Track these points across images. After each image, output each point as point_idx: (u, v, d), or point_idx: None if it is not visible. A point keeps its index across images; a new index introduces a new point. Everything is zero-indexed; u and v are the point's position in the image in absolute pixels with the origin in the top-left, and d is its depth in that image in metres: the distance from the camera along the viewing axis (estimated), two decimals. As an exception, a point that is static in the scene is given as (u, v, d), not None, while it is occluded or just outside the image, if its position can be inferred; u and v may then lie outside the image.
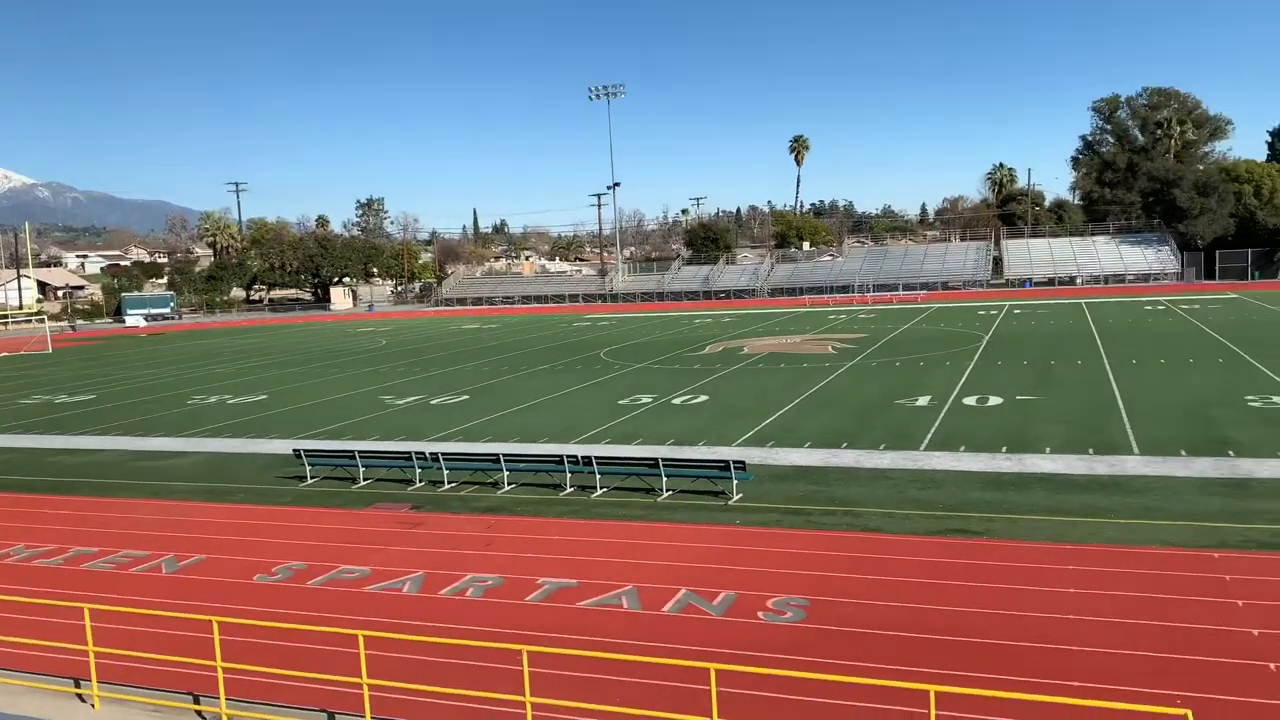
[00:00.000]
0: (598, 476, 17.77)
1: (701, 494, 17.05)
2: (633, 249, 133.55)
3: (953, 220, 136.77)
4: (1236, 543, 13.11)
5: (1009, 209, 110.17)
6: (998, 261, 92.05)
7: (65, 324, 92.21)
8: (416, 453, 19.12)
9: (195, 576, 14.23)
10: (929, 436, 21.18)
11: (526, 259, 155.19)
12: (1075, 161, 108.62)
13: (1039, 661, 9.85)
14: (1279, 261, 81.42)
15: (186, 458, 23.35)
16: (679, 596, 12.22)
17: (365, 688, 8.92)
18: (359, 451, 19.76)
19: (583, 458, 17.96)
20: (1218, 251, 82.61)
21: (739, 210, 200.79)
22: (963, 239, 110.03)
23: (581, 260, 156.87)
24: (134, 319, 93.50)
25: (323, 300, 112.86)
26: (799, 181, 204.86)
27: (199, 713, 9.91)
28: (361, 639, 9.04)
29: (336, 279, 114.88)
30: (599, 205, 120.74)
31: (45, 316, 76.79)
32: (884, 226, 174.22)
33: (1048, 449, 19.36)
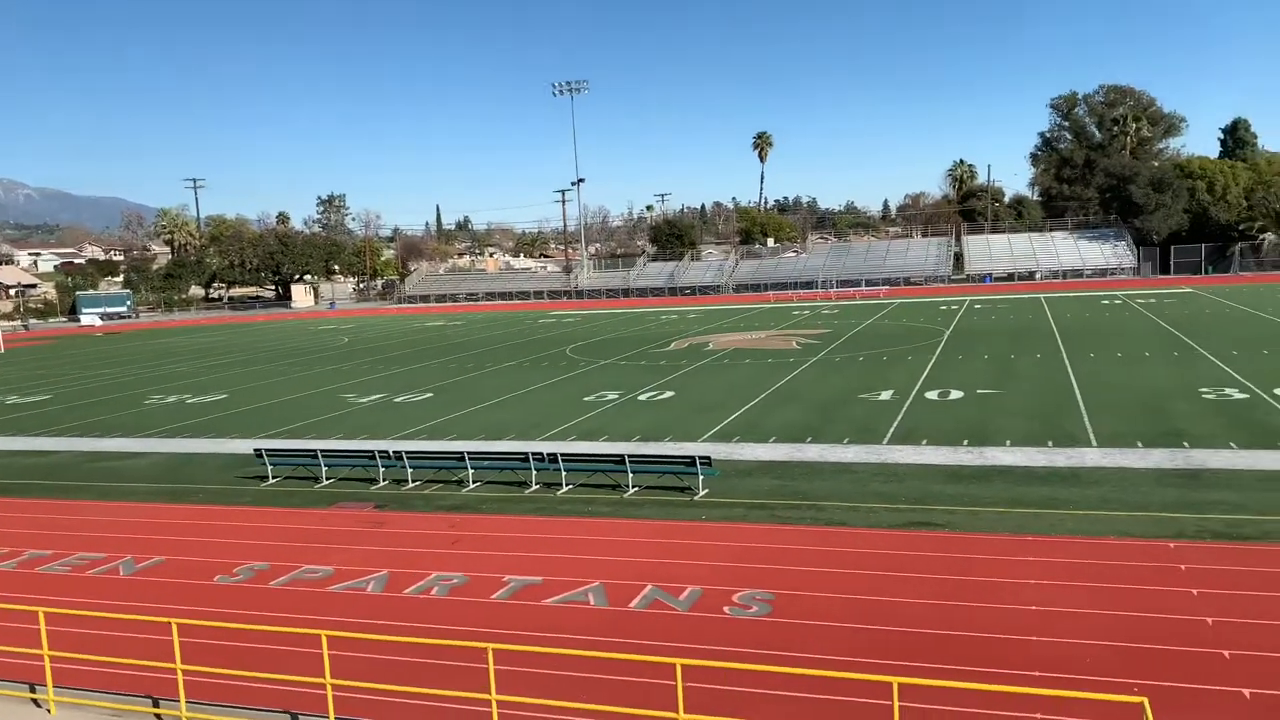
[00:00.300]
0: (563, 473, 17.73)
1: (667, 490, 17.07)
2: (598, 245, 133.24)
3: (914, 216, 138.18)
4: (1192, 533, 13.38)
5: (970, 205, 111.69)
6: (959, 257, 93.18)
7: (18, 323, 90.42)
8: (380, 451, 18.94)
9: (154, 578, 14.01)
10: (892, 430, 21.38)
11: (491, 256, 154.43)
12: (1034, 158, 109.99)
13: (1001, 652, 9.99)
14: (1231, 256, 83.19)
15: (144, 458, 22.98)
16: (645, 592, 12.23)
17: (329, 688, 8.84)
18: (321, 451, 19.53)
19: (548, 455, 17.90)
20: (1173, 246, 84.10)
21: (704, 207, 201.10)
22: (924, 235, 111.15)
23: (546, 257, 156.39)
24: (89, 318, 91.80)
25: (284, 298, 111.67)
26: (763, 178, 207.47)
27: (158, 716, 9.76)
28: (325, 639, 8.95)
29: (298, 276, 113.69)
30: (564, 201, 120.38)
31: (-3, 316, 75.32)
32: (847, 223, 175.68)
33: (1008, 442, 19.61)
